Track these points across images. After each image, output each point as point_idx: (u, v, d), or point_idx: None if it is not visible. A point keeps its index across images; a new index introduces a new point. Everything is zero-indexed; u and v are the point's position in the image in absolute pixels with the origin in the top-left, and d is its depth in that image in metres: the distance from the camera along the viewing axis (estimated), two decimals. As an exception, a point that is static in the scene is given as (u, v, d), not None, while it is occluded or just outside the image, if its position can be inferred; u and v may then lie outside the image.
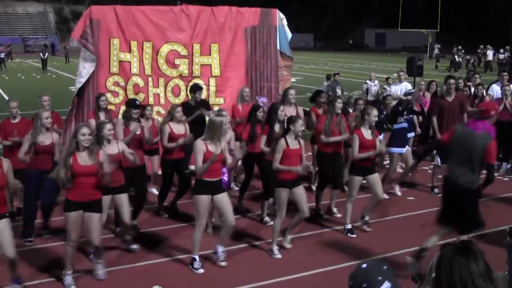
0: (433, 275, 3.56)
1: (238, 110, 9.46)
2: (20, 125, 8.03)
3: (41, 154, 7.08)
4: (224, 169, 7.17)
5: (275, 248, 6.94)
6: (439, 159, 9.46)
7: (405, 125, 9.38)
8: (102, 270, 6.26)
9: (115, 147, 6.61)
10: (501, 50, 33.43)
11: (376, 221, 8.08)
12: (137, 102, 8.09)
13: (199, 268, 6.46)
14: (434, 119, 9.58)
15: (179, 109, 8.21)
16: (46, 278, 6.29)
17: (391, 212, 8.64)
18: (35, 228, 7.49)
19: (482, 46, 37.97)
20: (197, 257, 6.54)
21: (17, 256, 5.80)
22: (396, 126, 9.25)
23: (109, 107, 9.38)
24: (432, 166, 10.09)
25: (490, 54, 36.63)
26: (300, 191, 6.93)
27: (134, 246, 7.07)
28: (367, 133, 7.36)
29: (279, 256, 6.88)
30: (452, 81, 9.65)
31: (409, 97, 9.64)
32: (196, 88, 9.27)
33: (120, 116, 8.94)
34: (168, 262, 6.80)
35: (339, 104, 8.17)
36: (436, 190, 9.49)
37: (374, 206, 7.90)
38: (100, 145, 6.33)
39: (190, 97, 9.47)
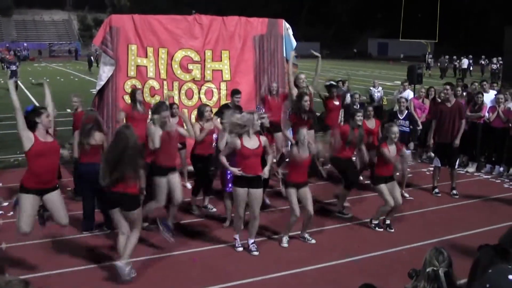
0: (428, 270, 3.49)
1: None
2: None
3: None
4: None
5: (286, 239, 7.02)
6: (438, 161, 9.40)
7: (405, 129, 9.29)
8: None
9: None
10: (494, 60, 33.24)
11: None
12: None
13: (239, 247, 6.77)
14: (433, 123, 9.49)
15: (208, 108, 8.19)
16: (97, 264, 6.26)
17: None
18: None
19: (463, 57, 37.68)
20: (237, 237, 6.82)
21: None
22: None
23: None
24: (431, 168, 9.97)
25: (465, 62, 36.64)
26: (304, 190, 6.92)
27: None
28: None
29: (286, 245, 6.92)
30: (448, 87, 9.58)
31: None
32: (234, 92, 9.21)
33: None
34: (184, 255, 6.66)
35: (358, 118, 7.99)
36: (436, 190, 9.39)
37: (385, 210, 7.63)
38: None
39: (231, 100, 9.28)
